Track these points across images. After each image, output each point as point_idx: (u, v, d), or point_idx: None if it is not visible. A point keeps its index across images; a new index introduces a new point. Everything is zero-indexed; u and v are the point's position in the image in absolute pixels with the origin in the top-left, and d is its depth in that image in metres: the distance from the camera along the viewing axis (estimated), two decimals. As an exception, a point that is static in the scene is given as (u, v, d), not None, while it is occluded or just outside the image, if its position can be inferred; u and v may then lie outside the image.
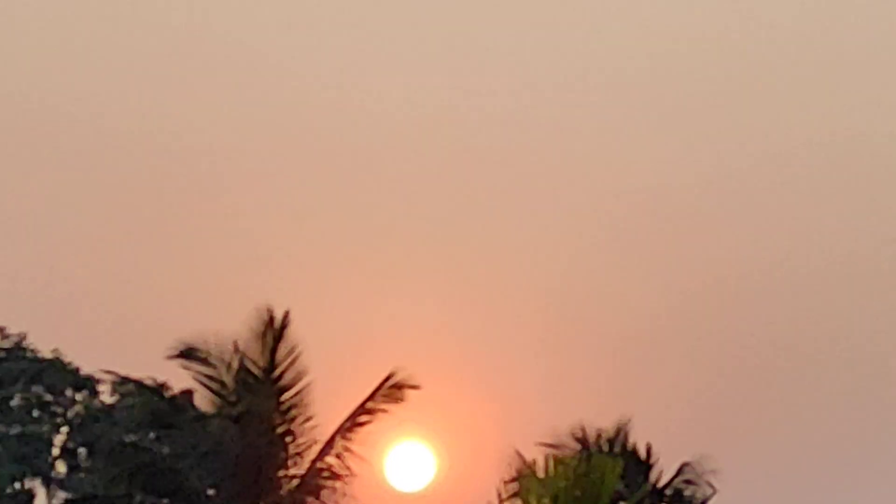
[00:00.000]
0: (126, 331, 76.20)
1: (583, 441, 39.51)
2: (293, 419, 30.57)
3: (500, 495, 29.72)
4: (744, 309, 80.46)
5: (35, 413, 65.52)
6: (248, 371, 30.34)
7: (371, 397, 30.33)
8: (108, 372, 50.37)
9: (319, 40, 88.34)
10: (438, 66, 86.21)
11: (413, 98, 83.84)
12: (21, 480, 59.00)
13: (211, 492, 30.59)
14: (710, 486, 41.20)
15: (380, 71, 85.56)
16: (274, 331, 30.29)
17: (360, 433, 30.34)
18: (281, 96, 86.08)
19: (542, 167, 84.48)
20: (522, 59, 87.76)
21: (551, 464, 24.13)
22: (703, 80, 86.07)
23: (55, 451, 63.08)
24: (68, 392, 65.54)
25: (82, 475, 57.85)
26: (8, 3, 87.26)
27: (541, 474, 20.77)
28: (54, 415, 65.62)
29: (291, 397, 30.60)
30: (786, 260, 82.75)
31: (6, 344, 65.98)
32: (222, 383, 30.40)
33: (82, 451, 61.65)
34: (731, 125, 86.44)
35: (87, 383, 64.50)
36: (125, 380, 36.22)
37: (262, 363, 30.38)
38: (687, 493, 41.47)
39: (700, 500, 41.87)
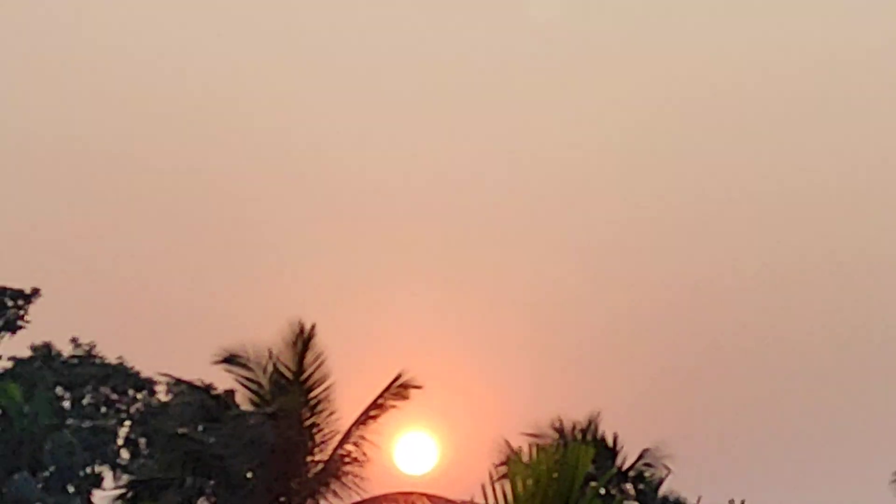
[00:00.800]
0: (178, 340, 77.02)
1: (560, 431, 39.35)
2: (318, 414, 30.68)
3: (491, 477, 29.12)
4: (692, 322, 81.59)
5: (103, 410, 65.22)
6: (281, 374, 30.49)
7: (382, 395, 30.43)
8: (164, 374, 50.94)
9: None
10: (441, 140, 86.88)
11: (420, 158, 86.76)
12: (92, 465, 58.73)
13: (249, 475, 30.51)
14: (666, 468, 41.02)
15: (392, 142, 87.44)
16: (303, 340, 30.38)
17: (374, 425, 30.48)
18: (313, 163, 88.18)
19: (523, 207, 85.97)
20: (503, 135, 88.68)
21: (534, 451, 24.80)
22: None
23: (120, 442, 62.90)
24: (130, 392, 65.33)
25: (142, 461, 57.75)
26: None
27: (525, 460, 20.00)
28: (119, 411, 65.39)
29: (317, 396, 30.70)
30: (736, 271, 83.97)
31: (79, 352, 65.80)
32: (259, 384, 30.57)
33: (142, 441, 61.63)
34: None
35: (146, 384, 64.60)
36: (178, 381, 36.45)
37: (292, 367, 30.45)
38: (647, 474, 41.10)
39: (658, 480, 41.60)
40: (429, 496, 29.93)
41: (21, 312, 64.41)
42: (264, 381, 30.68)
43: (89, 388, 64.90)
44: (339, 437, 30.45)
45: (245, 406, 31.58)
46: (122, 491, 35.86)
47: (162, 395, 62.66)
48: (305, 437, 30.55)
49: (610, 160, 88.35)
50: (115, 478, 59.10)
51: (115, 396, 65.22)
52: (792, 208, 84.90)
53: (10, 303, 64.02)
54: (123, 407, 65.39)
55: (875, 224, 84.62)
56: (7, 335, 64.01)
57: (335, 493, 30.39)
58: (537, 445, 28.90)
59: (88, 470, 58.95)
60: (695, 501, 44.42)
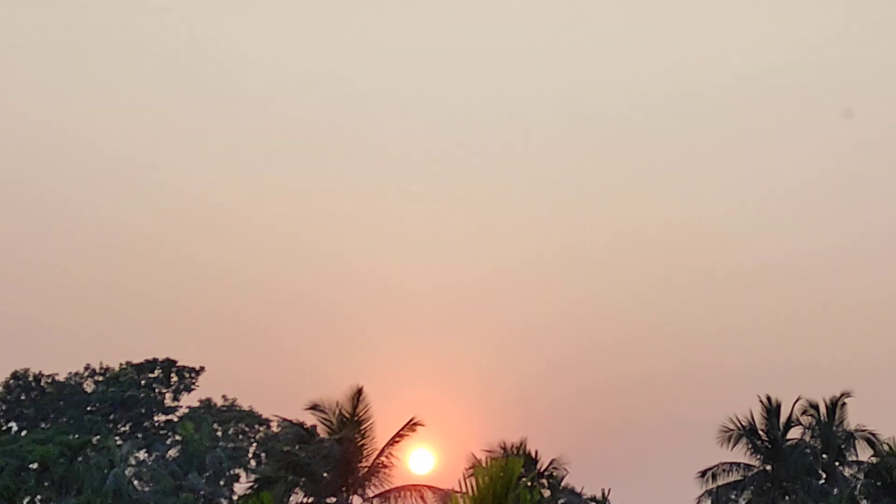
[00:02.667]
0: (284, 396, 77.84)
1: (504, 448, 39.06)
2: (365, 439, 30.75)
3: (464, 476, 28.90)
4: (578, 379, 78.67)
5: (240, 437, 64.22)
6: (343, 415, 30.63)
7: (402, 429, 30.90)
8: (276, 416, 50.41)
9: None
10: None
11: (420, 283, 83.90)
12: (233, 469, 57.36)
13: (325, 475, 30.69)
14: (566, 469, 41.06)
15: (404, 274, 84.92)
16: (357, 395, 30.73)
17: (396, 446, 30.87)
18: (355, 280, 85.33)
19: (479, 310, 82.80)
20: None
21: (489, 461, 24.88)
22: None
23: (250, 455, 61.41)
24: (256, 426, 64.18)
25: (263, 467, 56.37)
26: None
27: (484, 466, 20.03)
28: (250, 438, 64.30)
29: (364, 429, 30.74)
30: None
31: (227, 403, 65.30)
32: (331, 422, 30.75)
33: (263, 455, 60.08)
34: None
35: (265, 422, 63.33)
36: (284, 420, 36.65)
37: (350, 411, 30.61)
38: (555, 474, 40.87)
39: (561, 478, 41.30)
40: (429, 487, 30.35)
41: (193, 380, 63.97)
42: (334, 420, 30.81)
43: (232, 424, 64.02)
44: (376, 453, 30.77)
45: (322, 434, 31.91)
46: (251, 484, 36.12)
47: (274, 428, 61.10)
48: (357, 453, 30.68)
49: (525, 283, 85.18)
50: (247, 477, 57.83)
51: (247, 429, 64.30)
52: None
53: (186, 375, 63.56)
54: (252, 435, 64.25)
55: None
56: (185, 394, 63.66)
57: (374, 486, 30.70)
58: (490, 457, 28.99)
59: (231, 472, 57.76)
60: (580, 489, 44.08)
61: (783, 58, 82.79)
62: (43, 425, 58.09)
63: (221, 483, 55.10)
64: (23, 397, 60.33)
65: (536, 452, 40.50)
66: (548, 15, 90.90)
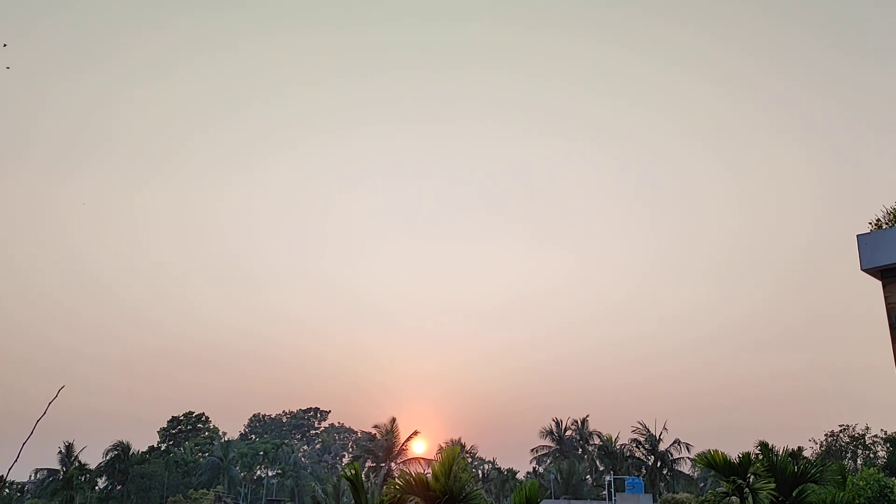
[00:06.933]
0: (367, 417, 67.07)
1: (452, 441, 37.38)
2: (395, 438, 29.27)
3: (437, 453, 29.12)
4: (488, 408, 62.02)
5: (345, 438, 56.29)
6: (387, 429, 29.32)
7: (410, 435, 29.73)
8: (360, 429, 44.76)
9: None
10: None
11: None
12: (342, 453, 51.85)
13: (380, 454, 29.23)
14: (477, 448, 38.88)
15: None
16: (393, 421, 29.77)
17: (409, 441, 29.38)
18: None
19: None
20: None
21: (447, 447, 22.01)
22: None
23: (349, 446, 54.38)
24: (352, 433, 55.99)
25: (354, 450, 46.07)
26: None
27: (444, 448, 18.43)
28: (348, 438, 56.76)
29: (396, 435, 29.24)
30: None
31: (335, 423, 59.17)
32: (383, 432, 29.54)
33: (354, 446, 50.11)
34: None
35: (355, 432, 55.19)
36: (364, 431, 34.42)
37: (389, 427, 29.50)
38: (474, 452, 38.51)
39: (475, 452, 38.70)
40: (423, 458, 28.72)
41: (326, 415, 59.75)
42: (384, 431, 29.52)
43: (342, 433, 58.37)
44: (401, 444, 29.47)
45: (378, 437, 29.81)
46: (350, 459, 32.89)
47: (359, 434, 51.36)
48: (393, 444, 29.31)
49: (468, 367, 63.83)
50: (348, 456, 51.16)
51: (349, 435, 57.56)
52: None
53: (323, 412, 58.99)
54: (350, 437, 57.16)
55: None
56: (323, 421, 59.12)
57: (400, 458, 29.14)
58: (446, 445, 29.44)
59: (341, 454, 52.27)
60: (484, 458, 40.25)
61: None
62: (265, 436, 54.81)
63: (337, 458, 52.48)
64: (256, 424, 57.87)
65: (465, 442, 38.72)
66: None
